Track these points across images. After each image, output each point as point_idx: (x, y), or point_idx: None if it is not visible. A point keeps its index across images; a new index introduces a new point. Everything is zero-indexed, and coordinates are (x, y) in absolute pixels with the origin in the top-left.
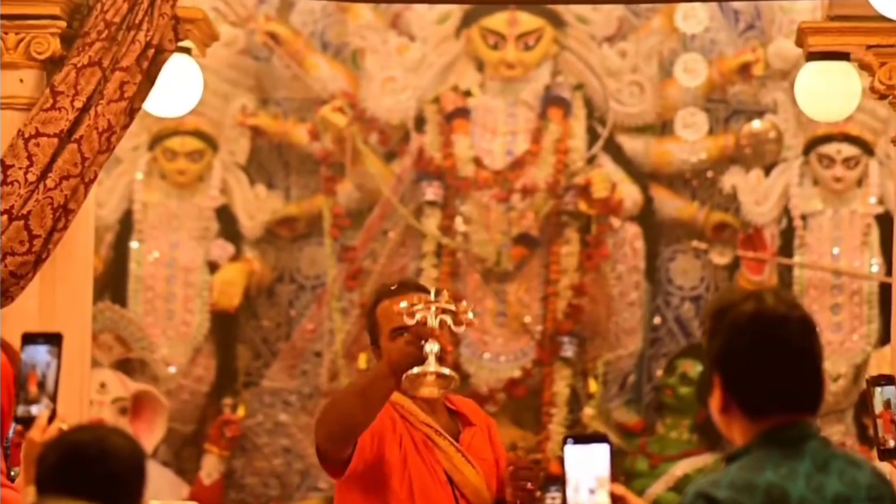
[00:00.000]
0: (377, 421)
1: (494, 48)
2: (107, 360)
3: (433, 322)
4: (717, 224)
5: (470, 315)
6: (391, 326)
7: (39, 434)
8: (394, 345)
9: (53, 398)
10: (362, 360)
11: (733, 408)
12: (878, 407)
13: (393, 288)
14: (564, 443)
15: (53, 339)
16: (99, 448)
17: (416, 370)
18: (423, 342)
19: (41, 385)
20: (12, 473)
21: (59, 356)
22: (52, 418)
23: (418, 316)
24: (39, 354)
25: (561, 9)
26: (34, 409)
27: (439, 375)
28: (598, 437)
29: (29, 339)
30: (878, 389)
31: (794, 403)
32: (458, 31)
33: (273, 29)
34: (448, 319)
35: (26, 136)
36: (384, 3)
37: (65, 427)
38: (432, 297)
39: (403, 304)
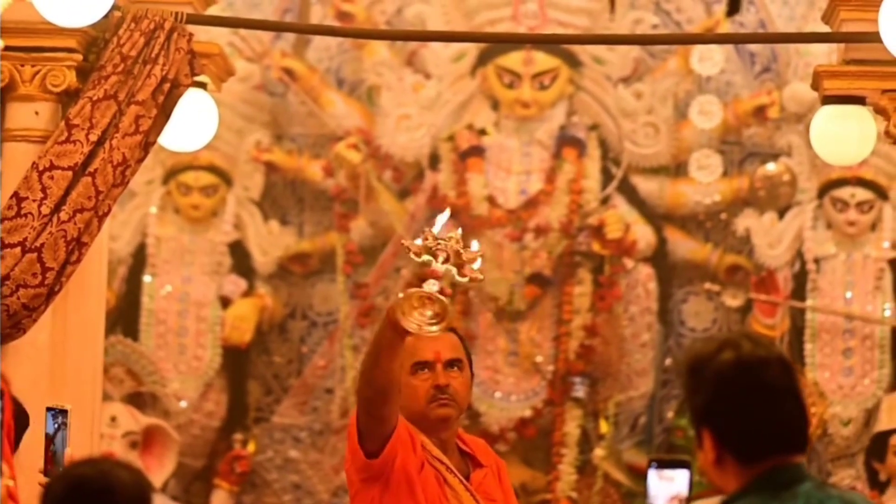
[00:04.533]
0: (403, 432)
1: (510, 87)
2: (118, 393)
3: (438, 266)
4: (730, 266)
5: (475, 266)
6: (413, 361)
7: None
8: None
9: None
10: None
11: (727, 459)
12: None
13: None
14: (649, 466)
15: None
16: (103, 482)
17: (411, 290)
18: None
19: None
20: None
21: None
22: None
23: (424, 258)
24: None
25: (577, 49)
26: None
27: (430, 298)
28: (680, 463)
29: None
30: None
31: (785, 444)
32: (474, 69)
33: (289, 65)
34: (453, 270)
35: (41, 168)
36: (400, 41)
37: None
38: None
39: (416, 242)
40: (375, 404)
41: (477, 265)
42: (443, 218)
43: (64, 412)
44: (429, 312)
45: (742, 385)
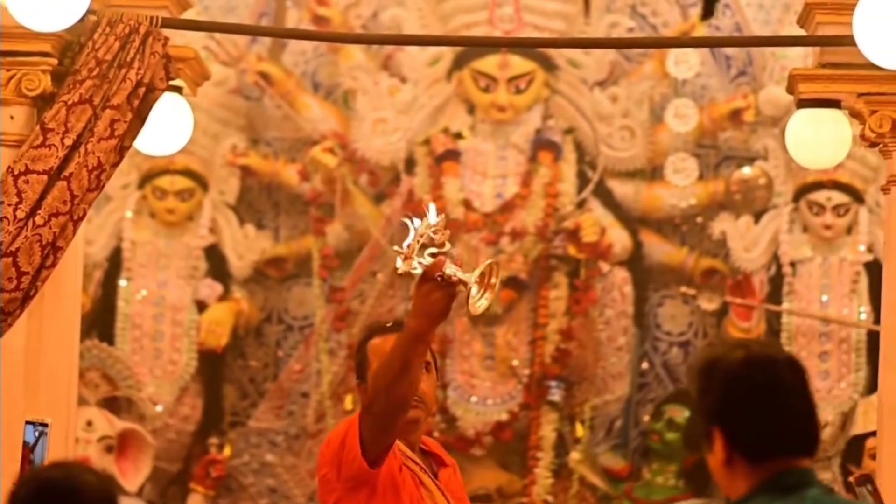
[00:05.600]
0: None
1: (485, 91)
2: (93, 398)
3: (427, 260)
4: (705, 270)
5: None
6: (376, 367)
7: None
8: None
9: None
10: (349, 402)
11: (736, 459)
12: None
13: (388, 325)
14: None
15: None
16: (69, 486)
17: (472, 290)
18: (439, 275)
19: None
20: None
21: None
22: None
23: (421, 259)
24: None
25: (553, 53)
26: None
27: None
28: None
29: None
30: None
31: (794, 445)
32: (450, 73)
33: (264, 69)
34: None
35: (16, 172)
36: (376, 45)
37: None
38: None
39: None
40: (394, 414)
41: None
42: (432, 209)
43: (45, 424)
44: (474, 291)
45: (752, 383)
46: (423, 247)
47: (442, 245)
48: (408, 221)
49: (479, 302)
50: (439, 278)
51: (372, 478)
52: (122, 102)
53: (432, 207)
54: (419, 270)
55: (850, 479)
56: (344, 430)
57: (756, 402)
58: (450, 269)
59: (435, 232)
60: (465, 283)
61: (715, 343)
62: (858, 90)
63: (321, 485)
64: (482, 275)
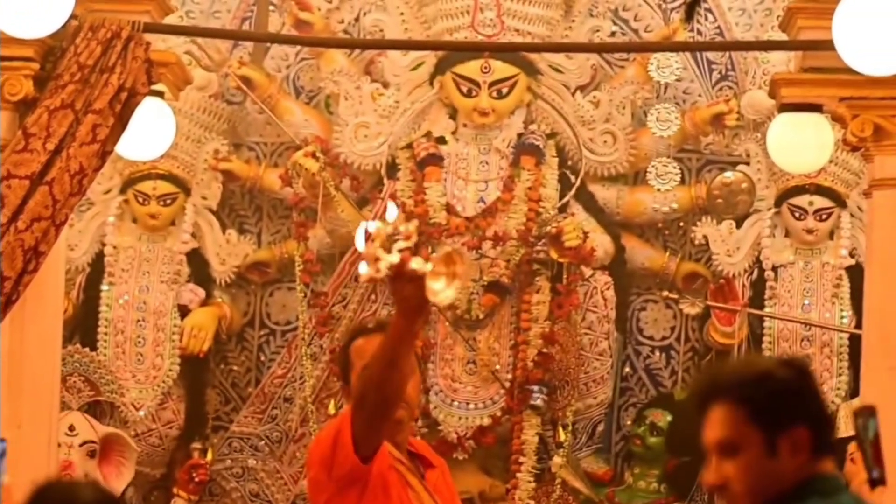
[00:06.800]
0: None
1: (468, 95)
2: (76, 402)
3: (394, 258)
4: (687, 274)
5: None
6: (364, 364)
7: None
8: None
9: None
10: (332, 406)
11: (809, 458)
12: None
13: (370, 326)
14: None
15: None
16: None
17: (441, 252)
18: (409, 267)
19: None
20: None
21: None
22: None
23: (388, 259)
24: None
25: (535, 57)
26: None
27: (439, 268)
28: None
29: None
30: (871, 421)
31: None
32: (432, 77)
33: (246, 73)
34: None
35: None
36: (358, 50)
37: None
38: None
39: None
40: (384, 409)
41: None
42: (392, 207)
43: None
44: (441, 282)
45: (817, 385)
46: (394, 242)
47: (409, 237)
48: (365, 224)
49: (445, 293)
50: (407, 274)
51: (364, 475)
52: (104, 107)
53: (391, 205)
54: (383, 273)
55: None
56: (335, 430)
57: (823, 401)
58: (414, 264)
59: (396, 230)
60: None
61: (729, 361)
62: (840, 94)
63: (311, 485)
64: (447, 263)
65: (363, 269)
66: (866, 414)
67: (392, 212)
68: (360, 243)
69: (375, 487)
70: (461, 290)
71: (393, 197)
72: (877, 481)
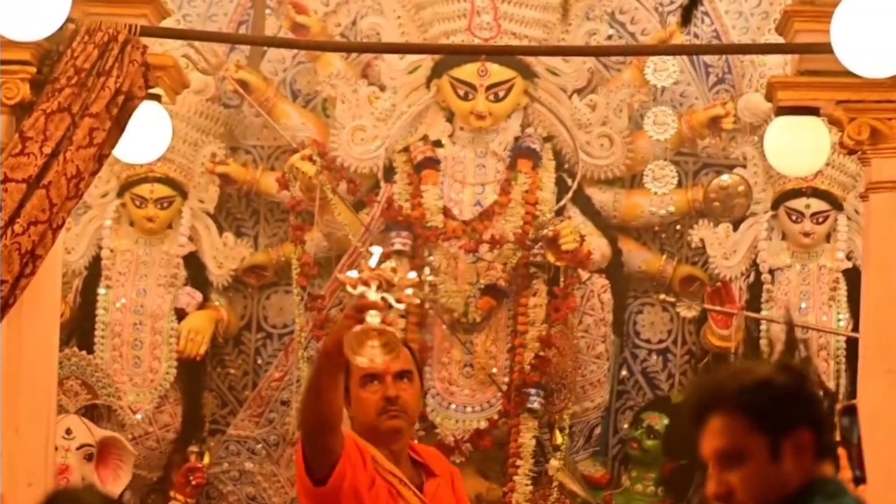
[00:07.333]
0: (351, 450)
1: (464, 99)
2: (73, 406)
3: (374, 296)
4: (684, 277)
5: (409, 292)
6: (362, 373)
7: None
8: (362, 391)
9: None
10: None
11: (813, 461)
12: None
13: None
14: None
15: None
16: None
17: (357, 328)
18: (364, 314)
19: None
20: None
21: None
22: None
23: (360, 289)
24: None
25: (532, 60)
26: None
27: (381, 332)
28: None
29: None
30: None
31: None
32: (429, 81)
33: (243, 77)
34: (390, 298)
35: None
36: (354, 53)
37: None
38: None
39: (349, 275)
40: (320, 435)
41: (410, 291)
42: (376, 251)
43: None
44: (377, 343)
45: (814, 389)
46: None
47: (401, 301)
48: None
49: (381, 359)
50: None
51: (324, 495)
52: (101, 111)
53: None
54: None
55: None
56: (297, 451)
57: (822, 403)
58: (372, 318)
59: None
60: (377, 333)
61: (727, 367)
62: (837, 97)
63: (298, 492)
64: (387, 339)
65: (353, 274)
66: (851, 413)
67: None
68: (353, 273)
69: (349, 502)
70: (387, 359)
71: (390, 201)
72: (859, 480)
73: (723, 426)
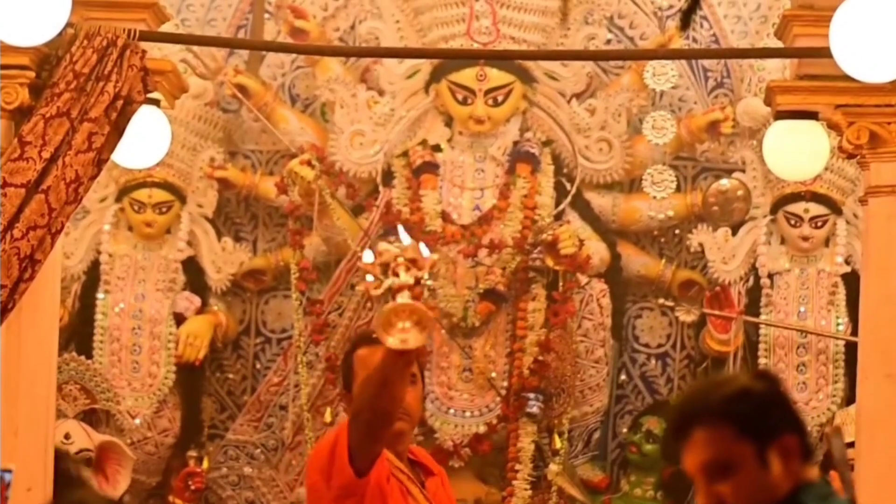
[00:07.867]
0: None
1: (463, 103)
2: (72, 410)
3: (406, 278)
4: (683, 282)
5: (428, 281)
6: (367, 375)
7: None
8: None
9: None
10: (328, 414)
11: (801, 465)
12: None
13: (374, 336)
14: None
15: None
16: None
17: (387, 306)
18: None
19: None
20: None
21: None
22: None
23: (386, 283)
24: None
25: (530, 65)
26: None
27: (413, 310)
28: None
29: None
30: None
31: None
32: (427, 85)
33: (242, 81)
34: (422, 275)
35: None
36: (353, 58)
37: None
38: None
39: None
40: (379, 426)
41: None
42: (402, 230)
43: (8, 471)
44: (408, 323)
45: (789, 395)
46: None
47: (422, 268)
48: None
49: (415, 339)
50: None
51: (360, 487)
52: (100, 115)
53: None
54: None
55: (826, 430)
56: (333, 439)
57: (798, 408)
58: (403, 298)
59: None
60: (408, 313)
61: (710, 378)
62: (836, 102)
63: (310, 492)
64: (417, 314)
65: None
66: (839, 436)
67: (406, 237)
68: (367, 257)
69: (374, 499)
70: (420, 341)
71: (389, 206)
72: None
73: (708, 438)
